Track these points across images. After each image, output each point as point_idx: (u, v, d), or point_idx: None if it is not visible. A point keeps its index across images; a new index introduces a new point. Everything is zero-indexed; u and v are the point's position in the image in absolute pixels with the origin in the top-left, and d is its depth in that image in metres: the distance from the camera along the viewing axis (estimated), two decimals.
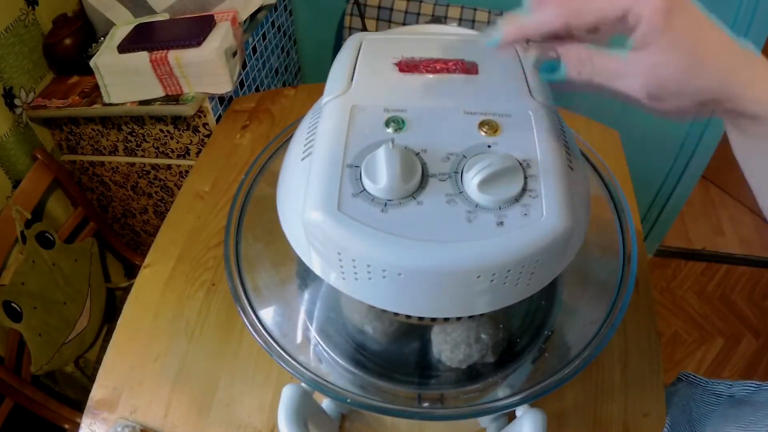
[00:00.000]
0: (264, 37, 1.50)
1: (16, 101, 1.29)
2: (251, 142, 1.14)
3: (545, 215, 0.38)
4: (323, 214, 0.38)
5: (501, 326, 0.56)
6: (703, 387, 0.73)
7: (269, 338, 0.49)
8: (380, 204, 0.38)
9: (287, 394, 0.49)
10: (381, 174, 0.38)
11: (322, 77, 0.51)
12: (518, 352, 0.57)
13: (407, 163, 0.38)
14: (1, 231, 1.22)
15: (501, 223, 0.37)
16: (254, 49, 1.44)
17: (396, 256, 0.36)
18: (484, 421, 0.66)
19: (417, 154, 0.41)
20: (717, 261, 2.14)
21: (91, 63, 1.18)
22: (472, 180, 0.38)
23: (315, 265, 0.43)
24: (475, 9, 1.57)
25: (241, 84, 1.37)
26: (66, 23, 1.34)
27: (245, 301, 0.51)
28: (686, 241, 2.20)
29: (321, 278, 0.60)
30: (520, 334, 0.58)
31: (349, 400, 0.45)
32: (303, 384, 0.50)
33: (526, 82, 0.48)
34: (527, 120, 0.44)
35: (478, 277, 0.37)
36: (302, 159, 0.44)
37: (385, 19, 1.60)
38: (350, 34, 0.82)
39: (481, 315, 0.55)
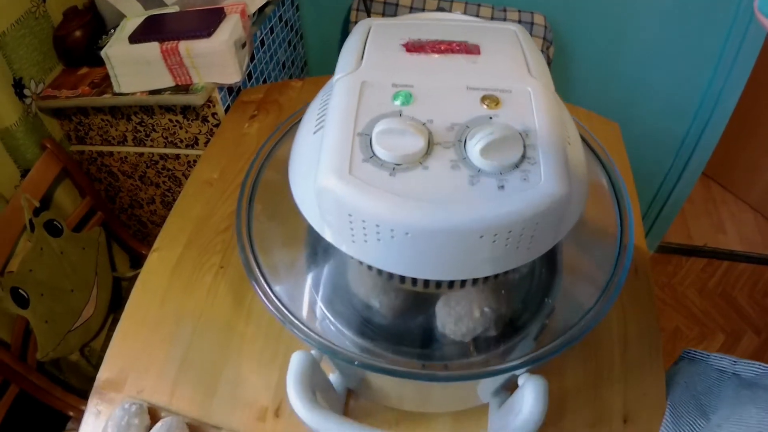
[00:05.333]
0: (272, 30, 1.53)
1: (26, 92, 1.30)
2: (259, 131, 1.16)
3: (543, 180, 0.40)
4: (336, 178, 0.40)
5: (503, 301, 0.57)
6: (706, 362, 0.74)
7: (280, 305, 0.50)
8: (389, 168, 0.40)
9: (296, 360, 0.51)
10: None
11: (328, 71, 0.54)
12: (520, 327, 0.59)
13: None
14: (9, 219, 1.24)
15: (502, 187, 0.40)
16: (262, 42, 1.46)
17: (404, 216, 0.38)
18: (486, 396, 0.68)
19: (423, 123, 0.43)
20: (718, 258, 2.15)
21: (102, 53, 1.20)
22: (475, 147, 0.40)
23: (326, 231, 0.45)
24: (479, 5, 1.59)
25: (249, 76, 1.38)
26: (76, 16, 1.36)
27: (257, 272, 0.53)
28: (687, 238, 2.22)
29: (328, 256, 0.63)
30: (522, 310, 0.60)
31: (357, 363, 0.47)
32: (312, 352, 0.52)
33: (526, 63, 0.51)
34: (527, 96, 0.46)
35: (481, 237, 0.39)
36: (314, 132, 0.47)
37: (391, 14, 1.62)
38: None
39: (484, 289, 0.57)
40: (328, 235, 0.45)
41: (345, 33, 1.84)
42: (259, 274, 0.52)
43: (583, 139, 0.65)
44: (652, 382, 0.74)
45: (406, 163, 0.40)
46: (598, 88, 1.73)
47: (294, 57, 1.78)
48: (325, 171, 0.41)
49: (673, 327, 1.94)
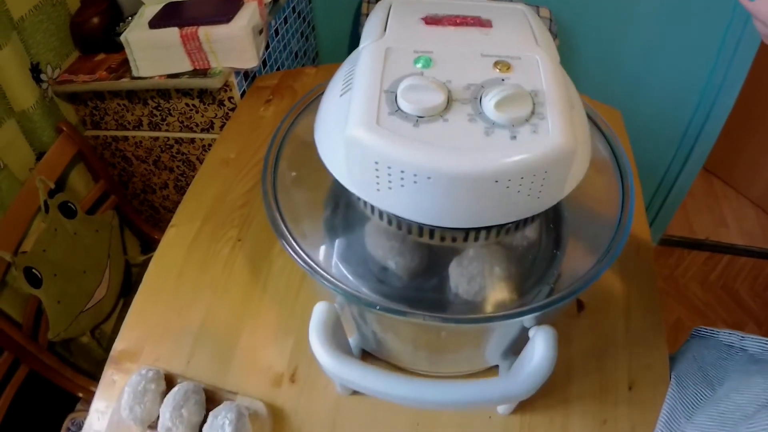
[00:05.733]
0: (285, 20, 1.56)
1: (42, 76, 1.33)
2: (274, 115, 1.19)
3: (551, 132, 0.44)
4: (364, 129, 0.44)
5: (513, 262, 0.61)
6: (715, 338, 0.76)
7: (306, 257, 0.54)
8: (413, 120, 0.45)
9: (319, 309, 0.54)
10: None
11: (339, 62, 0.59)
12: (528, 289, 0.62)
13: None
14: (24, 200, 1.26)
15: (514, 137, 0.44)
16: (276, 32, 1.49)
17: (426, 161, 0.43)
18: (495, 357, 0.71)
19: (443, 83, 0.47)
20: (720, 251, 2.18)
21: (122, 38, 1.23)
22: (489, 102, 0.44)
23: (351, 183, 0.49)
24: None
25: (264, 64, 1.42)
26: (93, 3, 1.39)
27: (283, 228, 0.56)
28: (690, 232, 2.25)
29: (347, 220, 0.66)
30: (531, 272, 0.63)
31: (378, 307, 0.50)
32: (335, 304, 0.55)
33: (534, 35, 0.55)
34: (535, 63, 0.51)
35: (496, 182, 0.43)
36: (341, 95, 0.51)
37: None
38: None
39: (496, 250, 0.60)
40: (353, 187, 0.48)
41: (356, 26, 1.87)
42: (285, 230, 0.56)
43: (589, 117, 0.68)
44: (655, 355, 0.77)
45: (428, 115, 0.45)
46: (601, 81, 1.76)
47: (306, 48, 1.82)
48: (355, 122, 0.45)
49: (675, 318, 1.97)
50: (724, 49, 1.59)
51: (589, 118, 0.67)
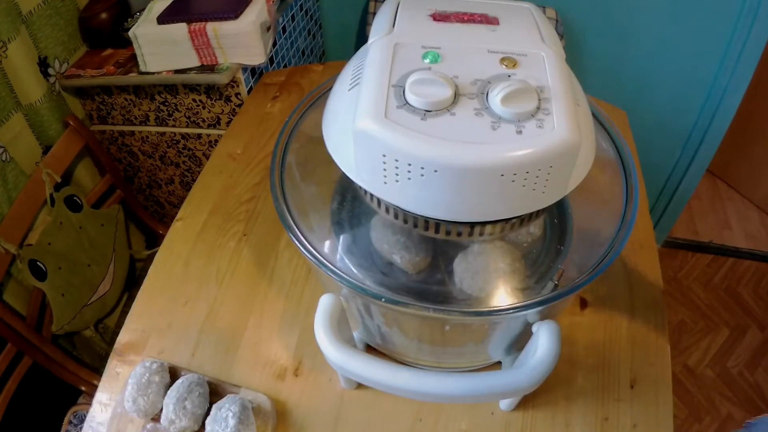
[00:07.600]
0: (293, 18, 1.57)
1: (50, 71, 1.34)
2: (281, 111, 1.20)
3: (556, 127, 0.45)
4: (373, 122, 0.45)
5: (518, 258, 0.61)
6: None
7: (313, 250, 0.54)
8: (420, 114, 0.45)
9: (324, 301, 0.55)
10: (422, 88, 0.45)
11: (345, 60, 0.60)
12: (532, 286, 0.63)
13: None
14: (30, 193, 1.26)
15: (520, 132, 0.44)
16: (284, 29, 1.50)
17: (434, 154, 0.43)
18: (497, 354, 0.72)
19: (450, 77, 0.48)
20: (723, 254, 2.18)
21: (130, 33, 1.24)
22: (496, 96, 0.45)
23: (359, 176, 0.49)
24: None
25: (271, 61, 1.42)
26: None
27: (290, 220, 0.57)
28: (694, 234, 2.25)
29: (353, 217, 0.66)
30: (535, 269, 0.63)
31: (384, 299, 0.51)
32: (341, 297, 0.56)
33: (540, 33, 0.56)
34: (541, 59, 0.52)
35: (502, 175, 0.44)
36: (349, 90, 0.51)
37: None
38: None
39: (500, 246, 0.60)
40: (360, 180, 0.49)
41: (363, 24, 1.87)
42: (292, 222, 0.56)
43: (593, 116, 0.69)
44: (657, 353, 0.77)
45: (435, 109, 0.45)
46: (607, 82, 1.77)
47: (313, 46, 1.82)
48: (363, 115, 0.45)
49: (678, 320, 1.97)
50: (729, 51, 1.59)
51: (594, 117, 0.68)
